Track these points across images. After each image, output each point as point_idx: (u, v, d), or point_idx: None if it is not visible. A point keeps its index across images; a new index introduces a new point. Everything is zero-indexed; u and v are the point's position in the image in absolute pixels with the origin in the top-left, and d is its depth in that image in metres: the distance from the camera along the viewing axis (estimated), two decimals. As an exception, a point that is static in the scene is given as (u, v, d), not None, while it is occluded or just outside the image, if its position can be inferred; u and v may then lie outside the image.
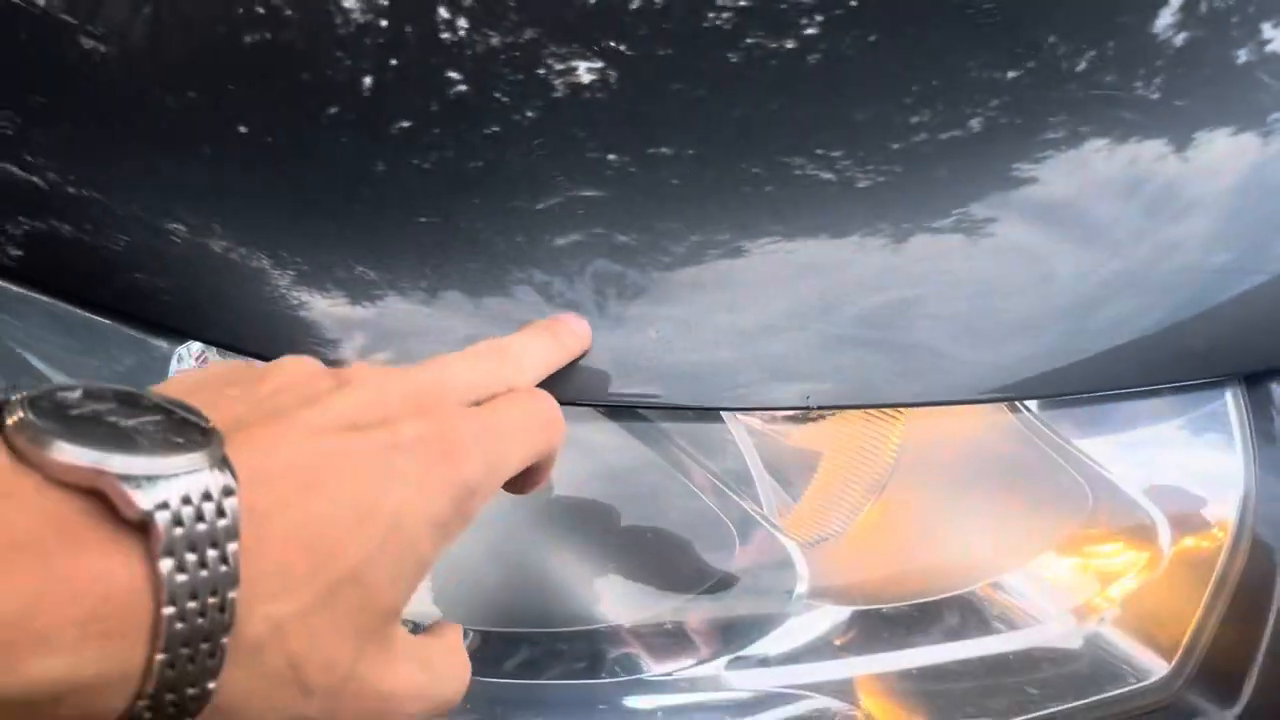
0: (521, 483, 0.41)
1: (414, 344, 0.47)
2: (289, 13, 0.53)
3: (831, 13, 0.55)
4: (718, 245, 0.48)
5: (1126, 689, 0.52)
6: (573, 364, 0.46)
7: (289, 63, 0.52)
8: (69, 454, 0.26)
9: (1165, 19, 0.57)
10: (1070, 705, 0.52)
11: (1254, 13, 0.57)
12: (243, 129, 0.50)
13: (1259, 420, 0.54)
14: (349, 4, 0.53)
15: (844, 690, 0.50)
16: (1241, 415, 0.54)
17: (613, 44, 0.53)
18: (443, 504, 0.34)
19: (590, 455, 0.48)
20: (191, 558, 0.27)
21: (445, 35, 0.53)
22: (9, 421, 0.27)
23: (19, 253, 0.48)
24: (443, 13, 0.53)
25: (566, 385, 0.46)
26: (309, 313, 0.47)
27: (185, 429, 0.29)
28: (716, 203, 0.49)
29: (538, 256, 0.47)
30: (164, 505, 0.27)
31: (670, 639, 0.49)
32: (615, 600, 0.49)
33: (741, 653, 0.50)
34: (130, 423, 0.28)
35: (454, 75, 0.52)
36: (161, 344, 0.46)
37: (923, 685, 0.51)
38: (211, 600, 0.27)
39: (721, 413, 0.49)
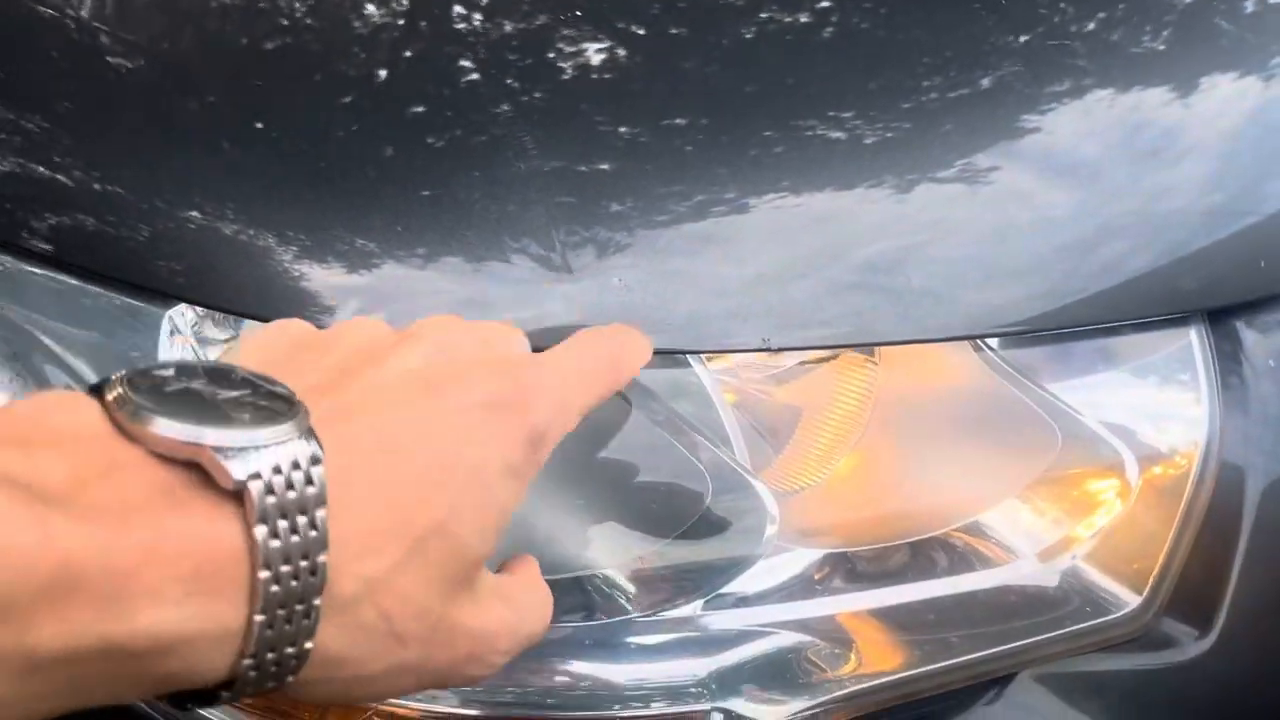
0: None
1: (407, 305, 0.49)
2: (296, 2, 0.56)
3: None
4: (723, 203, 0.50)
5: (1100, 620, 0.53)
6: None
7: (296, 51, 0.55)
8: (168, 429, 0.29)
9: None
10: (1046, 636, 0.53)
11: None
12: (258, 124, 0.52)
13: (1223, 357, 0.55)
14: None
15: (817, 627, 0.52)
16: (1206, 352, 0.55)
17: (624, 25, 0.55)
18: (515, 453, 0.35)
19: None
20: (283, 524, 0.29)
21: (459, 24, 0.56)
22: (109, 397, 0.29)
23: (44, 238, 0.51)
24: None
25: (556, 336, 0.48)
26: (309, 282, 0.50)
27: (273, 401, 0.31)
28: (725, 165, 0.51)
29: (532, 222, 0.50)
30: (256, 475, 0.28)
31: (648, 582, 0.51)
32: (596, 546, 0.51)
33: (718, 593, 0.51)
34: (222, 396, 0.30)
35: (466, 63, 0.54)
36: (159, 311, 0.49)
37: (898, 622, 0.53)
38: (304, 564, 0.29)
39: (695, 364, 0.51)
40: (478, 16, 0.56)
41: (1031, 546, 0.54)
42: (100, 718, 0.30)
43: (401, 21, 0.56)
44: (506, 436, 0.35)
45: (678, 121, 0.52)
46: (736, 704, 0.50)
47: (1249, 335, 0.55)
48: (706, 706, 0.50)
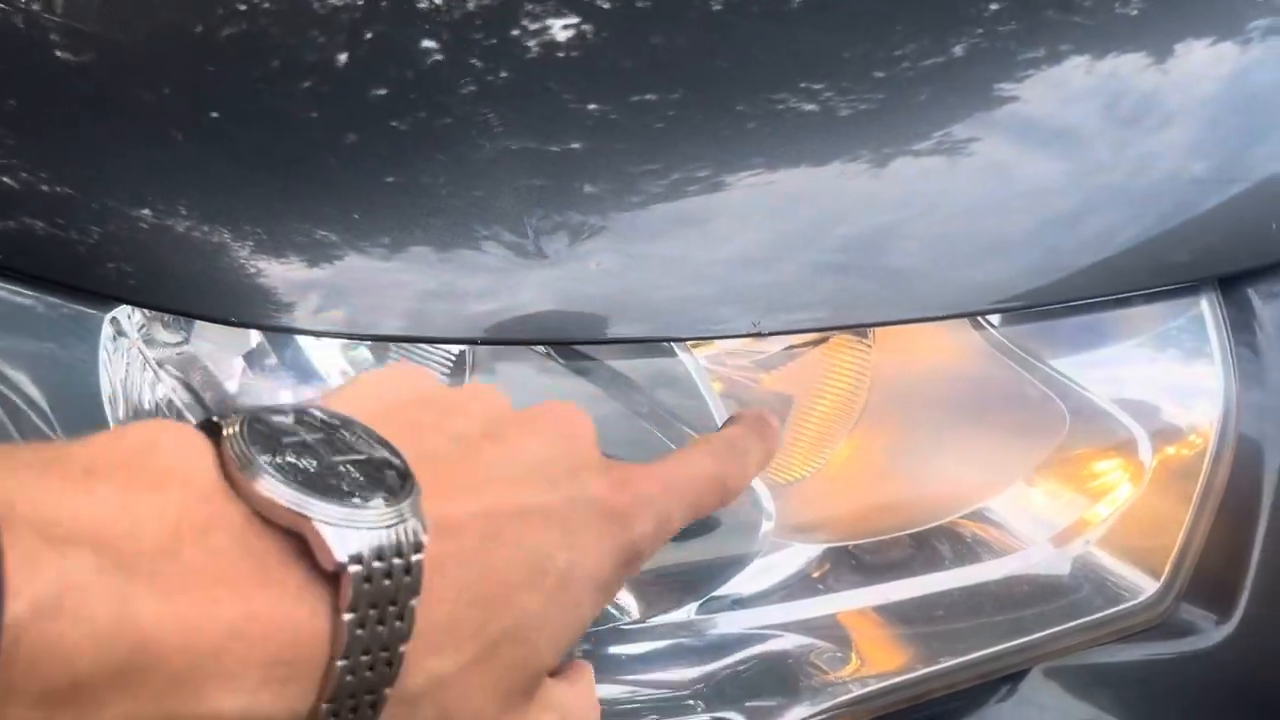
0: None
1: (372, 300, 0.47)
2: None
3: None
4: (699, 181, 0.48)
5: (1117, 609, 0.51)
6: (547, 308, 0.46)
7: (253, 37, 0.52)
8: (275, 491, 0.28)
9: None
10: (1060, 629, 0.51)
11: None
12: (214, 114, 0.49)
13: (1236, 327, 0.52)
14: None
15: (818, 627, 0.49)
16: (1219, 322, 0.52)
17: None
18: (610, 566, 0.34)
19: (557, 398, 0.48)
20: (373, 613, 0.28)
21: (421, 2, 0.53)
22: (225, 435, 0.29)
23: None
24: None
25: (533, 326, 0.46)
26: (266, 278, 0.47)
27: (385, 472, 0.30)
28: (698, 142, 0.48)
29: (501, 208, 0.47)
30: (357, 558, 0.27)
31: (637, 587, 0.48)
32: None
33: (713, 595, 0.49)
34: (337, 459, 0.29)
35: (429, 43, 0.51)
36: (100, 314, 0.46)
37: (904, 619, 0.50)
38: (383, 654, 0.28)
39: (680, 352, 0.48)
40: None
41: (1042, 533, 0.52)
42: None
43: (361, 1, 0.53)
44: (605, 548, 0.34)
45: (649, 98, 0.50)
46: (734, 713, 0.47)
47: (1262, 302, 0.53)
48: (704, 718, 0.47)
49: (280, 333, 0.49)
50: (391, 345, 0.49)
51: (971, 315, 0.50)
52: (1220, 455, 0.51)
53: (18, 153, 0.48)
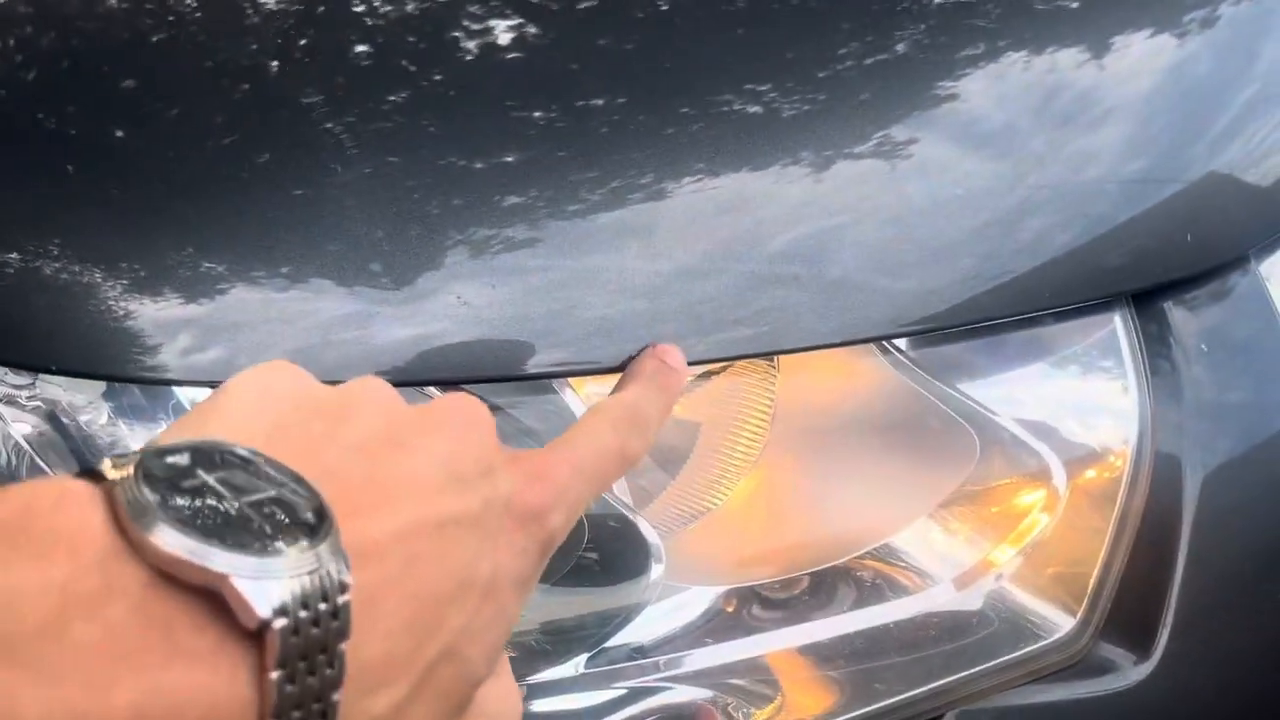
0: None
1: (269, 331, 0.43)
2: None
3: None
4: (640, 189, 0.45)
5: (1034, 647, 0.49)
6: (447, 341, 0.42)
7: (122, 59, 0.48)
8: (178, 545, 0.25)
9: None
10: (973, 671, 0.48)
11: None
12: (104, 140, 0.46)
13: (1151, 341, 0.50)
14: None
15: (719, 676, 0.46)
16: (1132, 338, 0.50)
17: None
18: (530, 564, 0.33)
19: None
20: (303, 665, 0.25)
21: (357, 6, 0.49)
22: (116, 481, 0.26)
23: None
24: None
25: (435, 362, 0.42)
26: (135, 320, 0.43)
27: (298, 511, 0.27)
28: (641, 147, 0.46)
29: (405, 227, 0.43)
30: (282, 611, 0.25)
31: (516, 644, 0.45)
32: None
33: (601, 647, 0.45)
34: (241, 501, 0.26)
35: (362, 48, 0.47)
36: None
37: (808, 664, 0.47)
38: (315, 706, 0.26)
39: (557, 388, 0.45)
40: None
41: (951, 570, 0.49)
42: None
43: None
44: (525, 547, 0.33)
45: (595, 102, 0.46)
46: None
47: (1178, 315, 0.51)
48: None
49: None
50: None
51: (875, 340, 0.47)
52: (1137, 478, 0.49)
53: None
